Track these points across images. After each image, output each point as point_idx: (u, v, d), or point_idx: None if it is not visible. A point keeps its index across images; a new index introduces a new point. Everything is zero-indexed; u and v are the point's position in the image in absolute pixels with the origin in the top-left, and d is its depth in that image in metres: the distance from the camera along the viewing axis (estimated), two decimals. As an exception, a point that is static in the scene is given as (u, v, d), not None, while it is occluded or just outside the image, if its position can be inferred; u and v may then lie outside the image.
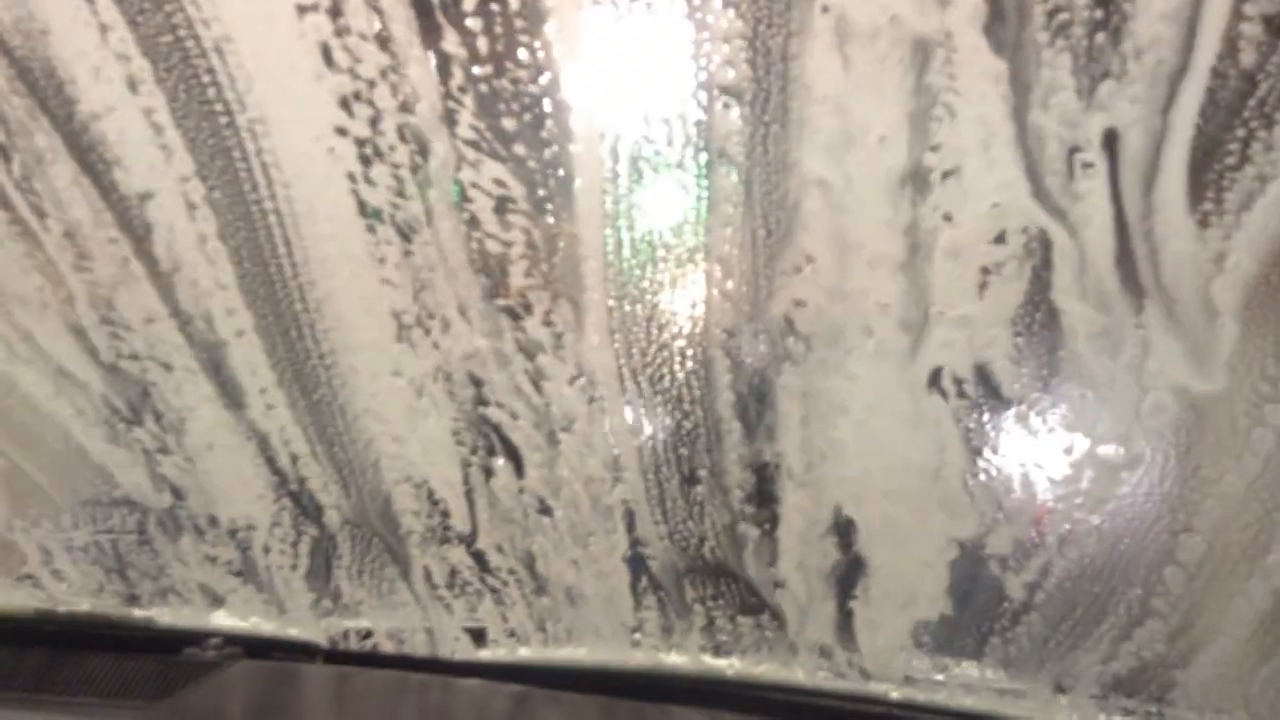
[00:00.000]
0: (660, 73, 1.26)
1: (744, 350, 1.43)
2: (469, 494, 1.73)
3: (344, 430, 1.72)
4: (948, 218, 1.25)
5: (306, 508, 1.84)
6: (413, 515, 1.80)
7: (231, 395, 1.72)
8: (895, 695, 1.64)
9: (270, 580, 1.95)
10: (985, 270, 1.27)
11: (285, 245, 1.53)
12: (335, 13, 1.32)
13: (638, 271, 1.43)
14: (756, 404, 1.47)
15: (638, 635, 1.78)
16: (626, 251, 1.42)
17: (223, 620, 2.00)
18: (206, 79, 1.42)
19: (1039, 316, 1.27)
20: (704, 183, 1.32)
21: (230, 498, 1.86)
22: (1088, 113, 1.13)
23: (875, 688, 1.64)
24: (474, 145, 1.37)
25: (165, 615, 2.03)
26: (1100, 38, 1.10)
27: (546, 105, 1.32)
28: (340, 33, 1.32)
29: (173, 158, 1.50)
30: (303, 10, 1.33)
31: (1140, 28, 1.08)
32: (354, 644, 1.95)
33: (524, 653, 1.86)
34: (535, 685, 1.82)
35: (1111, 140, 1.14)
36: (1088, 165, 1.16)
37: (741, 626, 1.70)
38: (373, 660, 1.94)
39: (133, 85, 1.44)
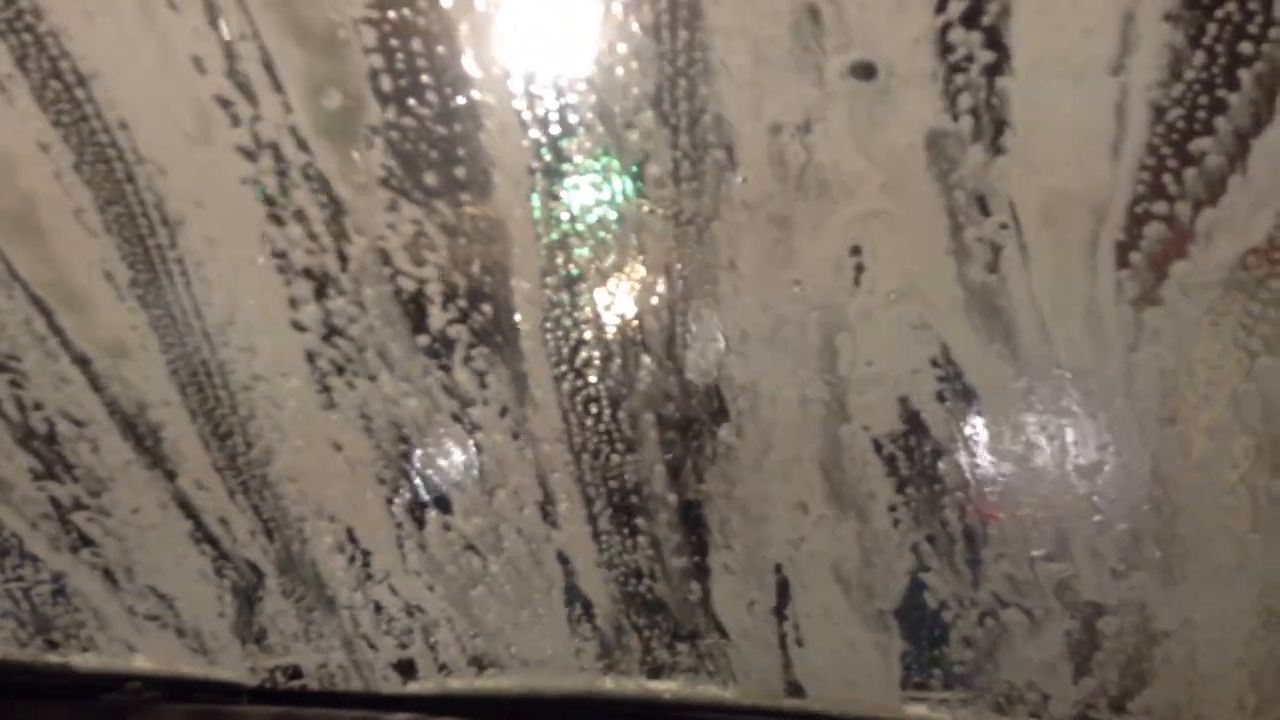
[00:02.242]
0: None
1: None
2: (398, 534, 1.67)
3: (265, 481, 1.66)
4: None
5: (229, 552, 1.77)
6: (338, 554, 1.74)
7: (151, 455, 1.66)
8: (834, 712, 1.60)
9: (192, 622, 1.87)
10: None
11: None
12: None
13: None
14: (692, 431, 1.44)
15: (572, 662, 1.73)
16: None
17: (142, 663, 1.92)
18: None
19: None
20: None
21: (151, 548, 1.78)
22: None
23: (812, 706, 1.60)
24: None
25: (83, 660, 1.94)
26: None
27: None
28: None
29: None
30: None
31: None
32: (280, 682, 1.88)
33: (454, 684, 1.79)
34: (467, 717, 1.76)
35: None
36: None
37: (680, 650, 1.65)
38: (301, 698, 1.87)
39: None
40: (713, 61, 1.12)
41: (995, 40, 1.03)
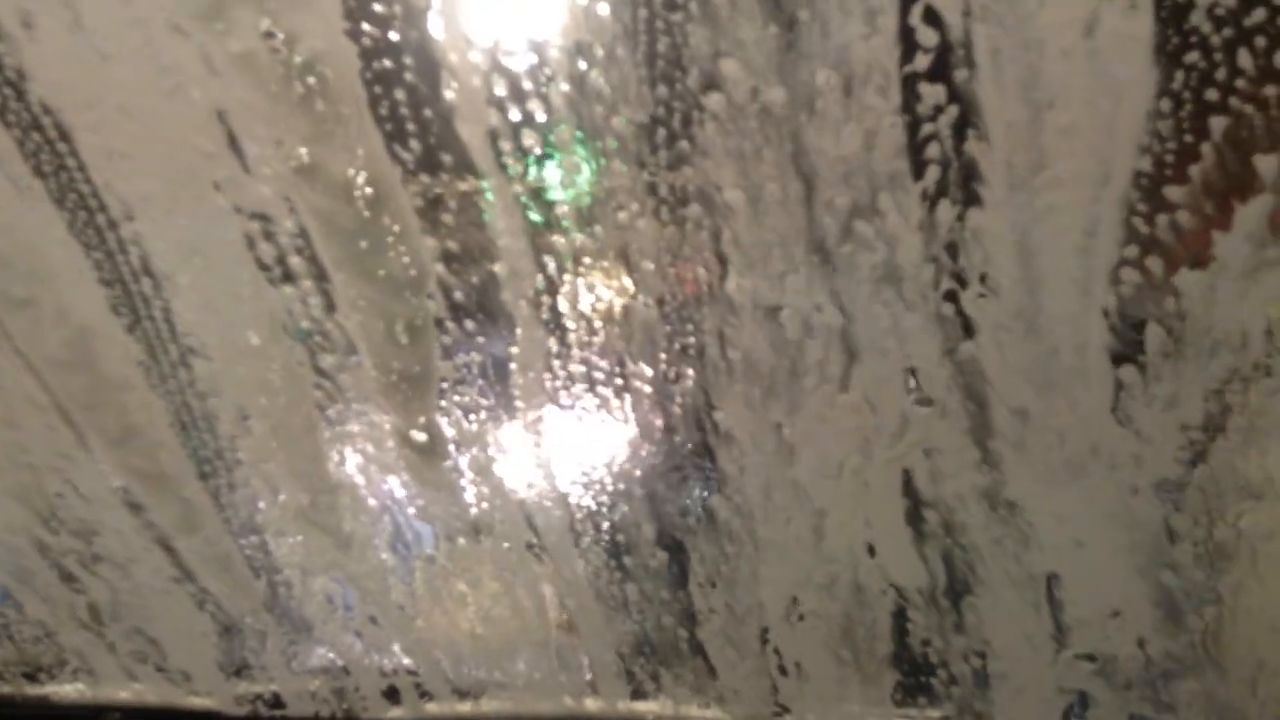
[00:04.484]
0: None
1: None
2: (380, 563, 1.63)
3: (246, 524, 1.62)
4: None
5: (207, 588, 1.72)
6: (319, 580, 1.69)
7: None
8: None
9: (173, 652, 1.82)
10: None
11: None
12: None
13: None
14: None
15: (556, 685, 1.68)
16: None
17: (122, 694, 1.86)
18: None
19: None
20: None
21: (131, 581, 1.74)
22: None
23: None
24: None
25: (63, 691, 1.89)
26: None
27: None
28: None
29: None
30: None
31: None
32: (262, 711, 1.83)
33: (438, 709, 1.75)
34: (451, 742, 1.72)
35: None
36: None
37: (664, 672, 1.61)
38: (281, 726, 1.82)
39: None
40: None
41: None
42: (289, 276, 1.24)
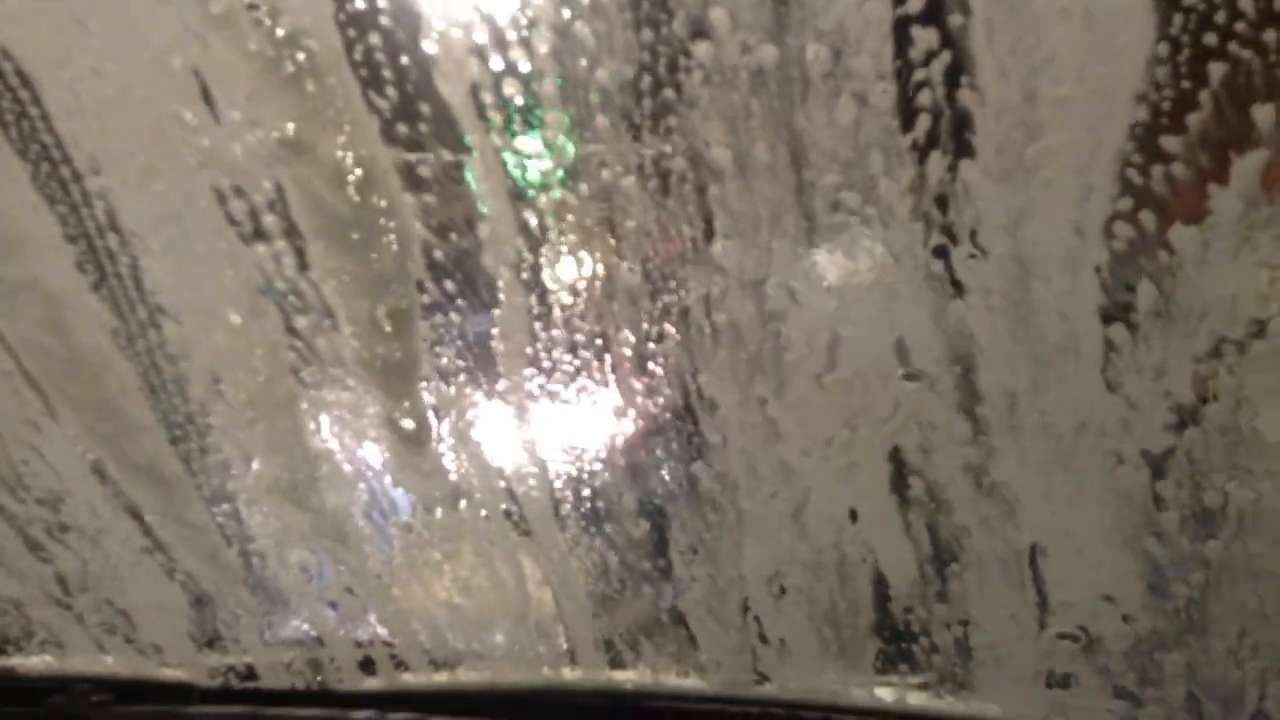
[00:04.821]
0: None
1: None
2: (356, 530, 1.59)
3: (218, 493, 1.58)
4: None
5: (178, 558, 1.68)
6: (295, 551, 1.65)
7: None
8: (798, 699, 1.54)
9: (144, 623, 1.79)
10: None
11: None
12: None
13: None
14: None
15: (534, 655, 1.66)
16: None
17: (91, 665, 1.83)
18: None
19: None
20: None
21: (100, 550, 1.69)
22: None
23: (774, 691, 1.54)
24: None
25: (29, 663, 1.85)
26: None
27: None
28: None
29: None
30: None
31: None
32: (235, 682, 1.80)
33: (414, 679, 1.72)
34: (428, 712, 1.69)
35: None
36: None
37: (643, 641, 1.59)
38: (256, 697, 1.78)
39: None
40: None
41: None
42: (262, 235, 1.20)
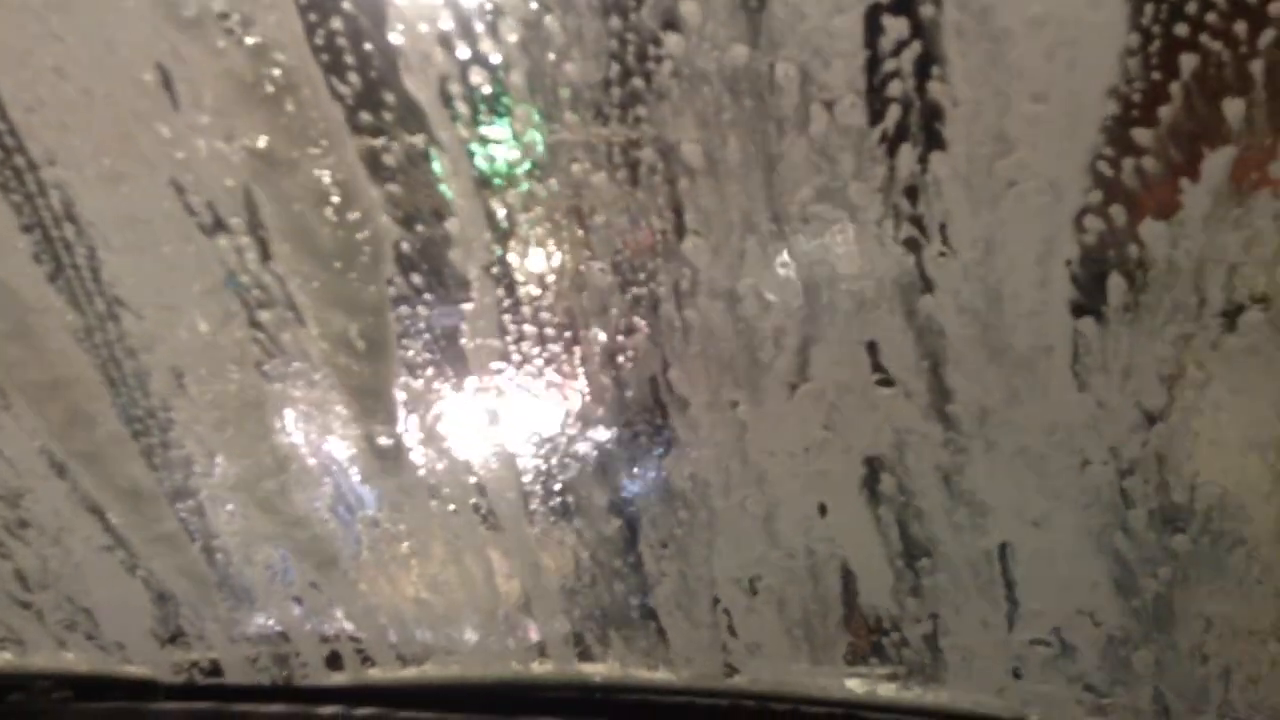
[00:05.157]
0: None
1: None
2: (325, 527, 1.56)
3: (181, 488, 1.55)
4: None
5: (140, 554, 1.64)
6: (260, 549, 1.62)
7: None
8: (769, 690, 1.53)
9: (105, 620, 1.75)
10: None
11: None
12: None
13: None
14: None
15: (502, 649, 1.64)
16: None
17: (51, 662, 1.79)
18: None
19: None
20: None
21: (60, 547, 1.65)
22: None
23: (744, 684, 1.53)
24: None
25: (-15, 660, 1.81)
26: None
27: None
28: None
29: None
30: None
31: None
32: (199, 679, 1.77)
33: (381, 674, 1.70)
34: (395, 707, 1.67)
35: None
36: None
37: (613, 635, 1.58)
38: (221, 694, 1.75)
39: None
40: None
41: None
42: (223, 226, 1.17)
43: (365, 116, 1.08)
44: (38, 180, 1.16)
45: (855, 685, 1.48)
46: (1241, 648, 1.22)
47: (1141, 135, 0.89)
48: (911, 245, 1.02)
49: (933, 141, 0.96)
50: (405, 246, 1.17)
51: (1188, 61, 0.86)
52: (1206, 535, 1.14)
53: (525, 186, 1.11)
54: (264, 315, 1.25)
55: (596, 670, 1.61)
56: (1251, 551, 1.13)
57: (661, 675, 1.58)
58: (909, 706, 1.45)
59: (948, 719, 1.43)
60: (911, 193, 0.98)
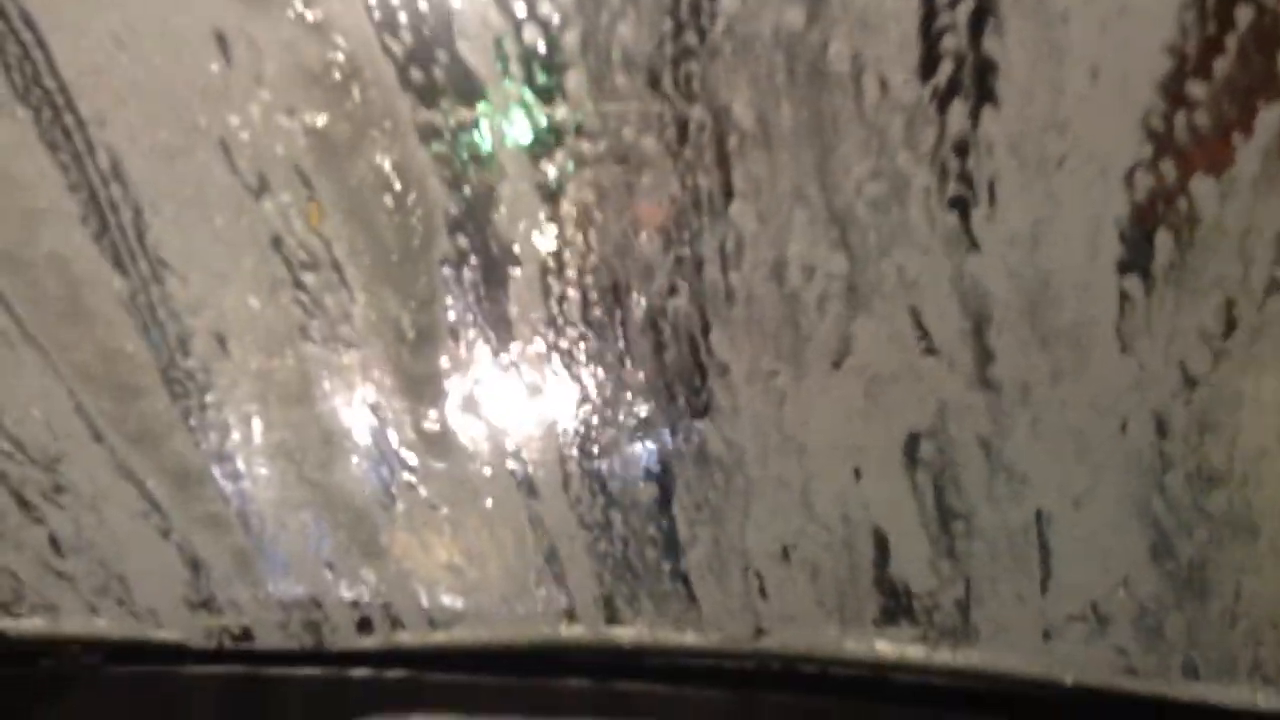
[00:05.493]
0: None
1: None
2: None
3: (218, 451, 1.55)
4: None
5: (175, 519, 1.64)
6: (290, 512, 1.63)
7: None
8: (798, 652, 1.54)
9: (138, 586, 1.75)
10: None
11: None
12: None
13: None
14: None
15: (531, 612, 1.65)
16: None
17: (82, 627, 1.79)
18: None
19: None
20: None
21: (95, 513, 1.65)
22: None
23: (772, 645, 1.54)
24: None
25: (20, 626, 1.81)
26: None
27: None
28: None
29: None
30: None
31: None
32: (229, 644, 1.78)
33: (410, 638, 1.71)
34: (425, 669, 1.68)
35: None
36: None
37: (643, 598, 1.58)
38: (251, 658, 1.76)
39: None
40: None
41: None
42: (270, 188, 1.17)
43: (419, 77, 1.07)
44: (86, 140, 1.16)
45: (884, 647, 1.50)
46: (1274, 610, 1.23)
47: (1196, 89, 0.89)
48: (959, 205, 1.01)
49: (984, 97, 0.96)
50: (453, 210, 1.16)
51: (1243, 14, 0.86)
52: (1243, 497, 1.15)
53: (572, 148, 1.11)
54: (307, 276, 1.25)
55: (625, 633, 1.62)
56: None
57: (690, 638, 1.59)
58: (939, 668, 1.47)
59: (978, 680, 1.44)
60: (961, 150, 0.98)
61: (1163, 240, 0.98)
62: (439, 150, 1.13)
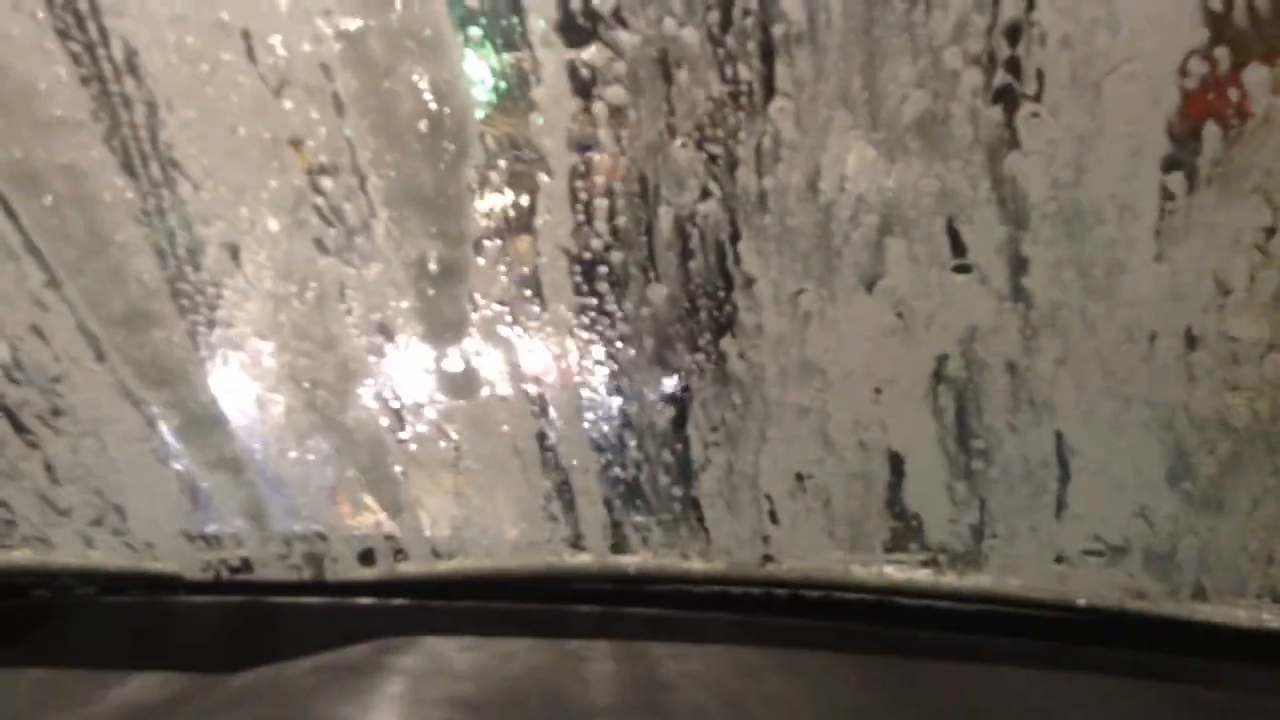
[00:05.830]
0: None
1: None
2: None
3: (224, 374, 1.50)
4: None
5: (175, 446, 1.60)
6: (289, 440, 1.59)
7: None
8: (802, 577, 1.54)
9: (135, 516, 1.71)
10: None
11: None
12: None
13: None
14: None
15: (537, 540, 1.63)
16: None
17: (75, 558, 1.75)
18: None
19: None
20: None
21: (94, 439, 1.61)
22: None
23: (779, 571, 1.54)
24: None
25: (10, 557, 1.76)
26: None
27: None
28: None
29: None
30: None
31: None
32: (226, 575, 1.74)
33: (413, 569, 1.68)
34: (429, 599, 1.66)
35: None
36: None
37: (651, 525, 1.57)
38: (249, 588, 1.73)
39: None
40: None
41: None
42: (291, 84, 1.12)
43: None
44: (100, 28, 1.11)
45: (893, 571, 1.49)
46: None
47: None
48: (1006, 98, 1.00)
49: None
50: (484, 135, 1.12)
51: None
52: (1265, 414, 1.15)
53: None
54: (327, 185, 1.20)
55: (631, 561, 1.61)
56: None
57: (696, 564, 1.58)
58: (947, 591, 1.47)
59: (988, 602, 1.45)
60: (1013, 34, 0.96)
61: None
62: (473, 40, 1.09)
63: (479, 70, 1.11)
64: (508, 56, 1.08)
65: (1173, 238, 1.05)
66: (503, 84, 1.11)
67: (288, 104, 1.14)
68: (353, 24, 1.05)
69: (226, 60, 1.10)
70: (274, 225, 1.24)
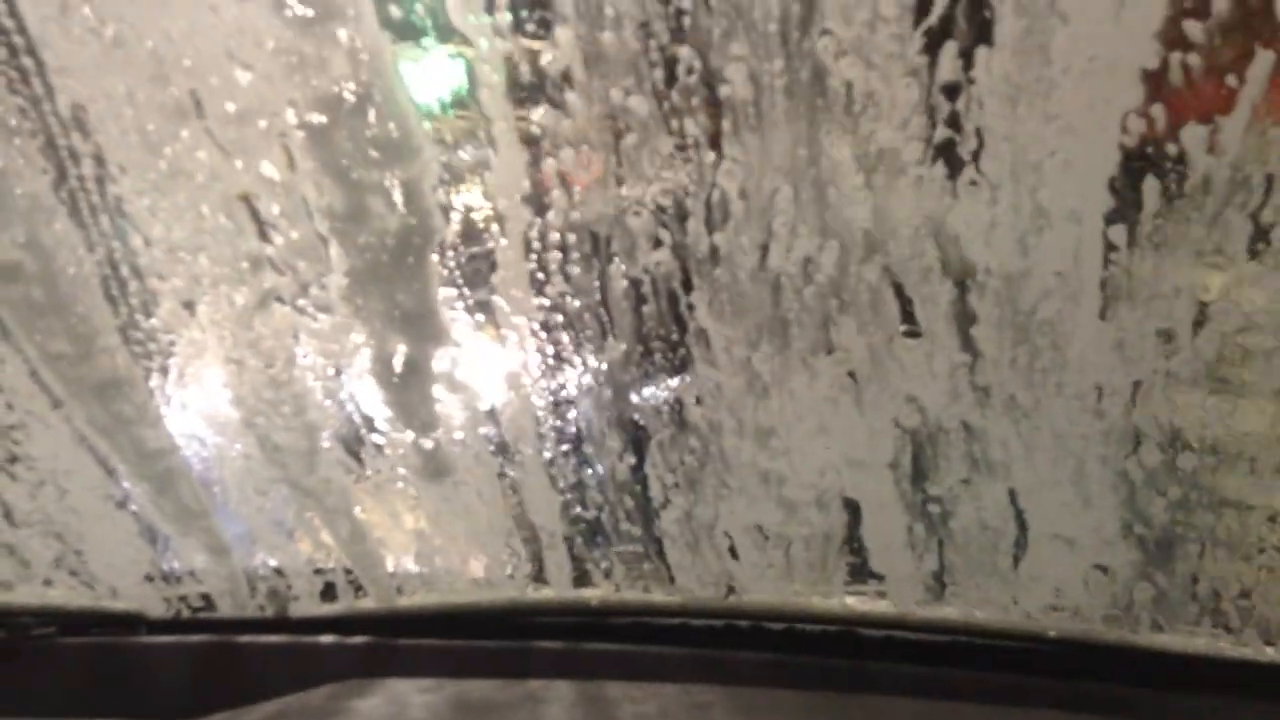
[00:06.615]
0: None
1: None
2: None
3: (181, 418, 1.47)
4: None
5: (133, 489, 1.56)
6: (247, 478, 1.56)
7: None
8: (766, 609, 1.53)
9: (94, 557, 1.67)
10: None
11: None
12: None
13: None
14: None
15: (498, 576, 1.61)
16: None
17: (33, 597, 1.70)
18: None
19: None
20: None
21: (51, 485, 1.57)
22: None
23: (740, 604, 1.52)
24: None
25: (-34, 596, 1.71)
26: None
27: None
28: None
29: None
30: None
31: None
32: (185, 613, 1.70)
33: (373, 604, 1.65)
34: (390, 636, 1.63)
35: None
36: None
37: (612, 560, 1.55)
38: (210, 626, 1.70)
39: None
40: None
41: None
42: (242, 141, 1.09)
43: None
44: (45, 84, 1.08)
45: (855, 603, 1.48)
46: (1236, 568, 1.24)
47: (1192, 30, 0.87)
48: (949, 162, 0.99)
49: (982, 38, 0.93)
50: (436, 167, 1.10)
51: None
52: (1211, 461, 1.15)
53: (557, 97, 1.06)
54: (278, 236, 1.17)
55: (593, 594, 1.58)
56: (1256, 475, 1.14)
57: (658, 597, 1.56)
58: (912, 623, 1.45)
59: (949, 633, 1.44)
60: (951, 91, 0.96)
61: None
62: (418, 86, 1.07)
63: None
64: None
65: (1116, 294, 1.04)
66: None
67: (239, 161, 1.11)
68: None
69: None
70: (223, 272, 1.21)
